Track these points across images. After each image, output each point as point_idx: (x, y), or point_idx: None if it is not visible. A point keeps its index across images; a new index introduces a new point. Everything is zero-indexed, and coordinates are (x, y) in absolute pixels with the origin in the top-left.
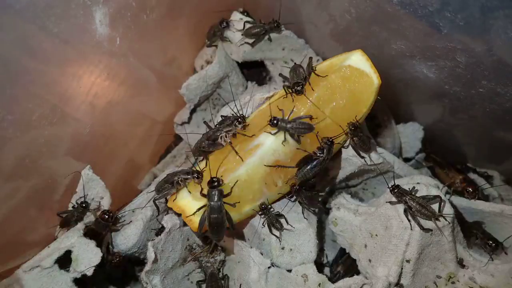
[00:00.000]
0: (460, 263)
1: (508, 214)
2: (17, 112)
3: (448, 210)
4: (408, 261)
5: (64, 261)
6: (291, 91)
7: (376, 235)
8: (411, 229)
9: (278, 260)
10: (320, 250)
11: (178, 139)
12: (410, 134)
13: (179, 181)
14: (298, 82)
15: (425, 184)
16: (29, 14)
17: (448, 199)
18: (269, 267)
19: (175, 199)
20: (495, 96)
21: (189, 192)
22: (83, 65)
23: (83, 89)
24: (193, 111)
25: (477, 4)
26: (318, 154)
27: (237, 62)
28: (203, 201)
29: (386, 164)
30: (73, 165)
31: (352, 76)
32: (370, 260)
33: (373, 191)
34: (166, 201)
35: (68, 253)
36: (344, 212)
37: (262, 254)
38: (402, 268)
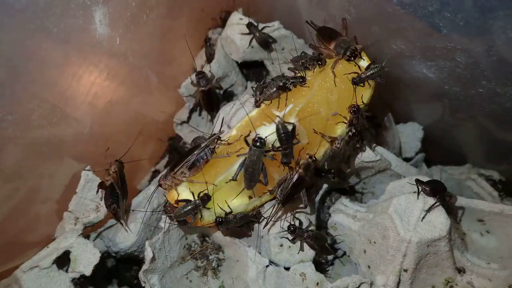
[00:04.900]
0: (458, 268)
1: (508, 214)
2: (17, 112)
3: (444, 221)
4: (405, 270)
5: (63, 261)
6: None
7: (374, 242)
8: (408, 242)
9: (277, 257)
10: None
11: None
12: (410, 134)
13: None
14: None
15: None
16: (29, 14)
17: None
18: (267, 266)
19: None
20: (495, 96)
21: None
22: (83, 65)
23: (83, 89)
24: (192, 110)
25: (477, 4)
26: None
27: (237, 62)
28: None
29: (384, 162)
30: (73, 165)
31: (348, 70)
32: (369, 267)
33: (373, 190)
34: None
35: (66, 253)
36: (343, 217)
37: (260, 253)
38: (400, 277)
